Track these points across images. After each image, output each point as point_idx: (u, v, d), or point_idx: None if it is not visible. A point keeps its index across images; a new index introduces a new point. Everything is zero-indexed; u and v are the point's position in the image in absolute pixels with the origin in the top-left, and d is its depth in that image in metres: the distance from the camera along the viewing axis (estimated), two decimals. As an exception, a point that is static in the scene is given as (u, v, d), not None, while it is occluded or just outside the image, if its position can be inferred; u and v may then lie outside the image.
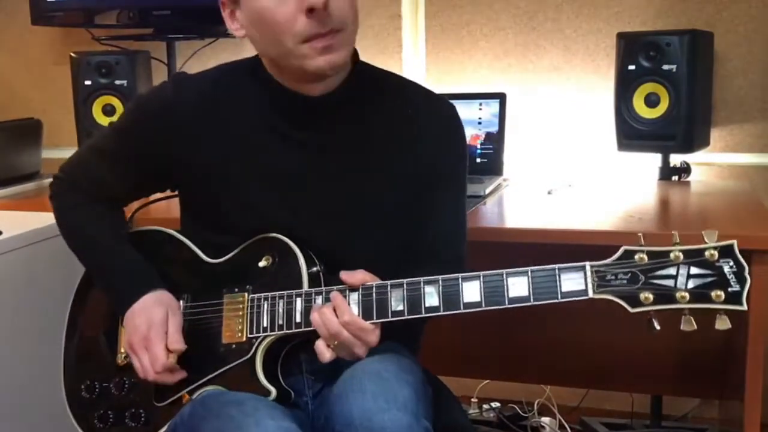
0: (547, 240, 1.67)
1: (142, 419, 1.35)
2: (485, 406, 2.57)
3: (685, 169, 2.23)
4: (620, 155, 2.25)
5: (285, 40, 1.23)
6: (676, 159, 2.23)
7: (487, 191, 2.00)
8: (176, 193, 1.50)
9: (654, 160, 2.24)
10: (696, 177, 2.27)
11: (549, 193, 2.04)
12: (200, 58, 2.62)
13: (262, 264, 1.32)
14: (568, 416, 2.49)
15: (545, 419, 2.51)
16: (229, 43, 2.58)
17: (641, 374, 2.19)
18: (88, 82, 2.40)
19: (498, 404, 2.57)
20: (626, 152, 2.22)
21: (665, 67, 2.08)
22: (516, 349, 2.23)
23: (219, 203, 1.36)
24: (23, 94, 2.93)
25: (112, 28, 2.58)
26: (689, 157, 2.22)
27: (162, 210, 1.68)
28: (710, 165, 2.33)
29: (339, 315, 1.21)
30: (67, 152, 2.63)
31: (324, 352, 1.22)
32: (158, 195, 1.54)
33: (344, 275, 1.25)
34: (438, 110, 1.40)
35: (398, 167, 1.35)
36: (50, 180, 1.53)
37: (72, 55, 2.43)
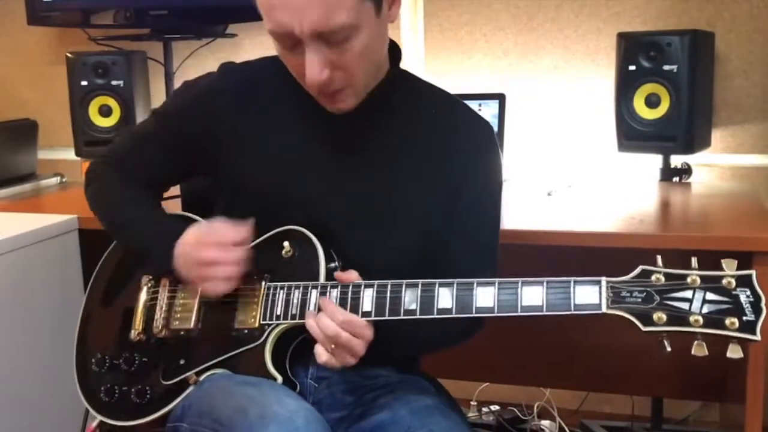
0: (547, 242, 1.67)
1: (147, 396, 1.37)
2: (484, 409, 2.57)
3: (686, 170, 2.23)
4: (620, 156, 2.24)
5: (297, 78, 1.28)
6: (676, 160, 2.22)
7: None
8: (178, 194, 1.54)
9: (655, 161, 2.23)
10: (697, 178, 2.26)
11: (549, 194, 2.04)
12: (197, 59, 2.61)
13: (282, 254, 1.34)
14: (568, 419, 2.49)
15: (545, 422, 2.51)
16: (226, 43, 2.57)
17: (642, 377, 2.18)
18: (84, 83, 2.40)
19: (497, 407, 2.57)
20: (627, 153, 2.21)
21: (666, 67, 2.08)
22: (515, 352, 2.22)
23: (247, 190, 1.39)
24: (19, 95, 2.92)
25: (108, 28, 2.58)
26: (690, 158, 2.22)
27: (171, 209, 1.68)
28: (711, 166, 2.32)
29: (333, 317, 1.22)
30: (63, 153, 2.67)
31: (322, 354, 1.23)
32: (166, 195, 1.55)
33: (338, 275, 1.28)
34: (474, 127, 1.40)
35: (427, 178, 1.35)
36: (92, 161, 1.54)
37: (68, 55, 2.43)
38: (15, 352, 1.73)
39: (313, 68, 1.20)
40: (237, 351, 1.31)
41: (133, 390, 1.38)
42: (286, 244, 1.33)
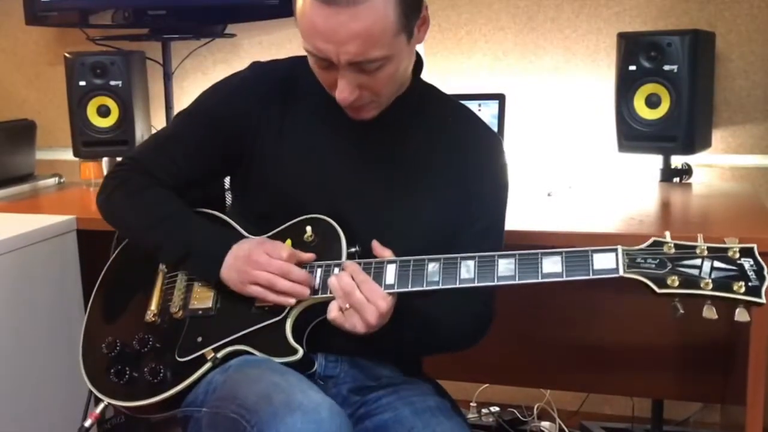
0: (547, 243, 1.66)
1: (161, 375, 1.34)
2: (484, 411, 2.57)
3: (686, 171, 2.23)
4: (621, 157, 2.24)
5: (324, 87, 1.33)
6: (677, 160, 2.22)
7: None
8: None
9: (655, 161, 2.23)
10: (697, 179, 2.26)
11: (549, 195, 2.03)
12: (196, 59, 2.61)
13: (304, 238, 1.36)
14: (568, 421, 2.49)
15: (545, 424, 2.51)
16: (225, 43, 2.57)
17: (642, 378, 2.17)
18: (82, 83, 2.39)
19: (497, 409, 2.57)
20: (627, 154, 2.21)
21: (666, 67, 2.08)
22: (515, 353, 2.21)
23: (272, 186, 1.40)
24: (17, 95, 2.92)
25: (106, 28, 2.58)
26: (691, 159, 2.22)
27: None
28: (712, 166, 2.32)
29: (354, 276, 1.24)
30: (62, 153, 2.67)
31: (332, 309, 1.25)
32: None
33: (376, 244, 1.30)
34: (485, 139, 1.45)
35: (441, 184, 1.40)
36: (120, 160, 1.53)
37: (66, 55, 2.42)
38: (13, 352, 1.73)
39: (344, 91, 1.27)
40: (257, 326, 1.31)
41: (146, 369, 1.35)
42: (308, 228, 1.36)
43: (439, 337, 1.39)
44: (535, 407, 2.51)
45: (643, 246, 1.20)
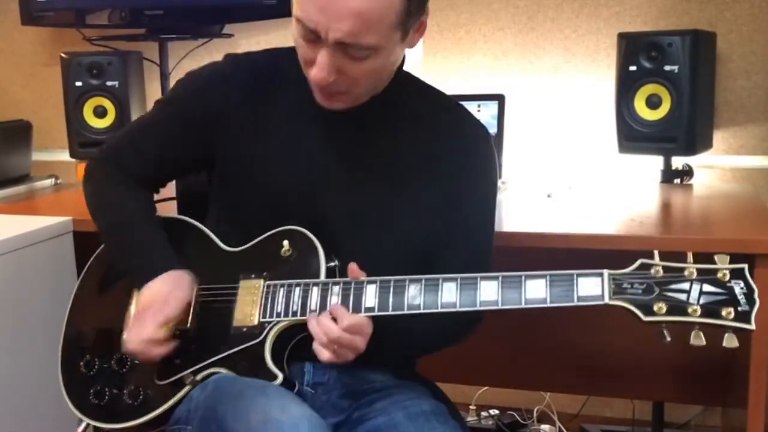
0: (547, 244, 1.65)
1: (140, 397, 1.34)
2: (483, 414, 2.56)
3: (687, 172, 2.22)
4: (621, 158, 2.23)
5: (299, 59, 1.28)
6: (678, 161, 2.21)
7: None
8: (174, 197, 1.52)
9: (656, 162, 2.22)
10: (698, 180, 2.25)
11: (548, 196, 2.02)
12: (193, 59, 2.59)
13: (281, 253, 1.33)
14: (568, 423, 2.49)
15: (545, 426, 2.50)
16: (223, 43, 2.56)
17: (643, 380, 2.17)
18: (78, 83, 2.37)
19: (497, 411, 2.56)
20: (627, 154, 2.20)
21: (667, 67, 2.07)
22: (515, 355, 2.20)
23: (247, 184, 1.37)
24: (13, 96, 2.91)
25: (103, 29, 2.58)
26: (691, 160, 2.21)
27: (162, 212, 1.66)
28: (713, 168, 2.31)
29: (339, 322, 1.22)
30: (58, 154, 2.65)
31: (322, 353, 1.23)
32: (158, 198, 1.52)
33: (352, 268, 1.27)
34: (471, 130, 1.41)
35: (427, 180, 1.36)
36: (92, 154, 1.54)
37: (62, 55, 2.41)
38: (8, 355, 1.72)
39: (322, 70, 1.21)
40: (235, 349, 1.30)
41: (125, 391, 1.35)
42: (285, 243, 1.33)
43: (431, 334, 1.37)
44: (535, 410, 2.50)
45: (629, 269, 1.17)
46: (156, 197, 1.53)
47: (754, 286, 1.13)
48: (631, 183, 2.23)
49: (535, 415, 2.50)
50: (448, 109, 1.42)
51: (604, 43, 2.34)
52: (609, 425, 2.48)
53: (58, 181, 2.49)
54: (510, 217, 1.93)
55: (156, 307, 1.32)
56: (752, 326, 1.11)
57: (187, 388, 1.30)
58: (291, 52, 1.36)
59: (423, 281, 1.23)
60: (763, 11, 2.23)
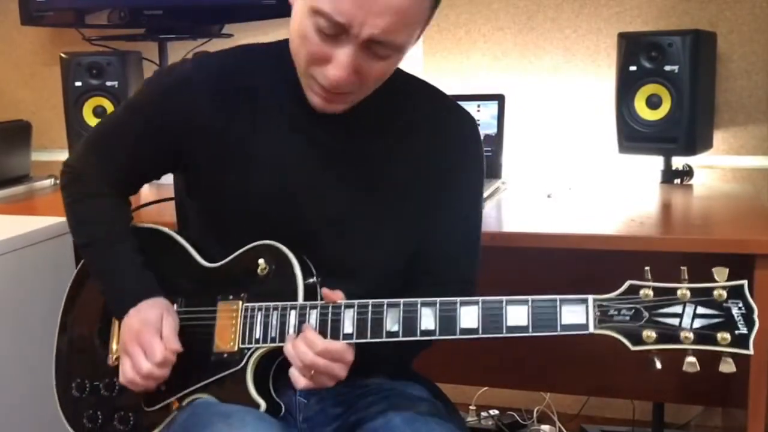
0: (547, 245, 1.65)
1: (131, 423, 1.33)
2: (483, 414, 2.55)
3: (687, 172, 2.22)
4: (621, 158, 2.23)
5: (300, 58, 1.20)
6: (678, 162, 2.21)
7: (485, 195, 1.96)
8: (172, 197, 1.48)
9: (656, 162, 2.22)
10: (699, 180, 2.25)
11: (548, 196, 2.02)
12: (193, 59, 2.59)
13: (258, 271, 1.29)
14: (568, 424, 2.48)
15: (545, 427, 2.50)
16: (222, 43, 2.55)
17: (643, 381, 2.16)
18: (78, 83, 2.37)
19: (497, 412, 2.56)
20: (627, 155, 2.20)
21: (667, 67, 2.07)
22: (515, 356, 2.20)
23: (224, 194, 1.32)
24: (12, 96, 2.90)
25: (102, 28, 2.57)
26: (692, 160, 2.21)
27: (152, 215, 1.65)
28: (713, 168, 2.31)
29: (311, 346, 1.18)
30: (57, 154, 2.65)
31: (298, 379, 1.20)
32: (153, 198, 1.51)
33: (325, 292, 1.23)
34: (456, 122, 1.35)
35: (414, 179, 1.31)
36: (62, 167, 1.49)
37: (62, 55, 2.41)
38: (7, 356, 1.71)
39: (343, 69, 1.14)
40: (218, 376, 1.27)
41: (116, 416, 1.34)
42: (260, 261, 1.28)
43: (418, 346, 1.34)
44: (535, 410, 2.50)
45: (616, 294, 1.11)
46: (153, 197, 1.51)
47: (753, 305, 1.05)
48: (631, 183, 2.23)
49: (535, 415, 2.49)
50: (429, 99, 1.35)
51: (604, 43, 2.34)
52: (609, 426, 2.47)
53: (58, 182, 2.48)
54: (510, 217, 1.93)
55: (143, 341, 1.28)
56: (750, 351, 1.04)
57: (173, 414, 1.29)
58: (267, 48, 1.32)
59: (401, 306, 1.18)
60: (763, 11, 2.22)
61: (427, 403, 1.32)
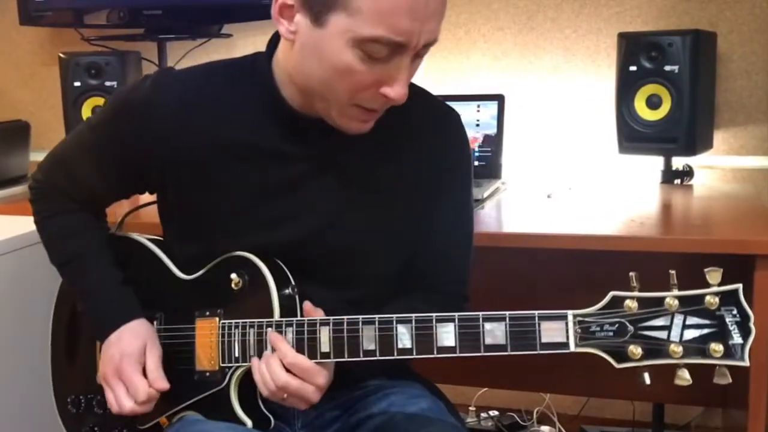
0: (547, 245, 1.65)
1: None
2: (483, 415, 2.55)
3: (687, 173, 2.21)
4: (621, 158, 2.23)
5: (340, 92, 1.14)
6: (678, 162, 2.21)
7: (485, 195, 1.97)
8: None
9: (656, 163, 2.22)
10: (699, 180, 2.25)
11: (548, 196, 2.02)
12: (192, 59, 2.58)
13: (232, 286, 1.25)
14: (568, 425, 2.48)
15: (545, 428, 2.49)
16: (221, 43, 2.55)
17: (643, 382, 2.15)
18: (77, 83, 2.36)
19: (496, 413, 2.55)
20: (627, 155, 2.19)
21: (667, 68, 2.06)
22: (515, 357, 2.19)
23: (195, 210, 1.29)
24: (11, 96, 2.90)
25: (101, 28, 2.57)
26: (692, 160, 2.20)
27: (152, 215, 1.64)
28: (713, 168, 2.30)
29: (281, 356, 1.16)
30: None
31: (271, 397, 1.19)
32: (150, 199, 1.49)
33: (307, 307, 1.21)
34: (441, 121, 1.33)
35: (401, 182, 1.28)
36: (29, 183, 1.45)
37: (61, 55, 2.40)
38: (8, 355, 1.71)
39: (404, 85, 1.12)
40: (203, 395, 1.26)
41: None
42: (233, 276, 1.24)
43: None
44: (535, 411, 2.49)
45: (597, 307, 1.04)
46: (149, 199, 1.47)
47: (749, 312, 0.98)
48: (632, 183, 2.23)
49: (534, 416, 2.49)
50: (418, 101, 1.28)
51: (604, 43, 2.33)
52: (609, 426, 2.46)
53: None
54: (510, 217, 1.92)
55: (125, 377, 1.27)
56: (746, 363, 0.97)
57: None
58: (237, 63, 1.30)
59: (376, 323, 1.13)
60: (763, 11, 2.22)
61: (428, 401, 1.32)
